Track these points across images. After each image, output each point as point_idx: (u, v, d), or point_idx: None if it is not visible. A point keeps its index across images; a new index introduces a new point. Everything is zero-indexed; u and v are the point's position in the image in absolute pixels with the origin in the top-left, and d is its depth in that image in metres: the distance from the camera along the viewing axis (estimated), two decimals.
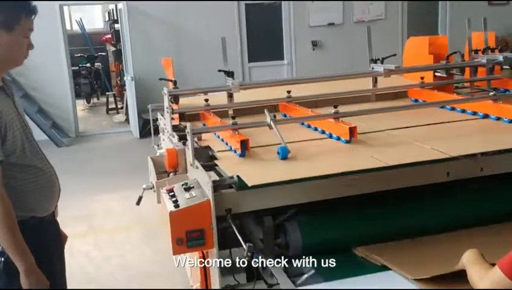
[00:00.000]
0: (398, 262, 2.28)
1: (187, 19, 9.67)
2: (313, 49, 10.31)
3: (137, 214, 5.25)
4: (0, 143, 2.00)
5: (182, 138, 3.12)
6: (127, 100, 10.95)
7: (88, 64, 13.74)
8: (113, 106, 12.63)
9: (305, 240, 2.40)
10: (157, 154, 3.95)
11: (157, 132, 4.19)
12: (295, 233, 2.41)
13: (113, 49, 13.25)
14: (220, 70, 3.61)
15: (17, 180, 2.07)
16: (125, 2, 9.16)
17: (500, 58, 3.82)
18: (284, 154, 2.43)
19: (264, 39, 10.28)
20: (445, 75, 3.90)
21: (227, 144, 2.83)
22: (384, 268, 2.27)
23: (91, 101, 13.62)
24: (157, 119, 9.95)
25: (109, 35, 13.62)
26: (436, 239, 2.49)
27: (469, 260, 1.93)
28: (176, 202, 2.32)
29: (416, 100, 3.70)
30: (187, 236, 2.28)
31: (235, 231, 2.26)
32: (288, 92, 3.46)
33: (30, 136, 2.16)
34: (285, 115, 3.51)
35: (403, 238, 2.49)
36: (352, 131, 2.61)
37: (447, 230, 2.54)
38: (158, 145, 4.25)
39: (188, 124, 2.60)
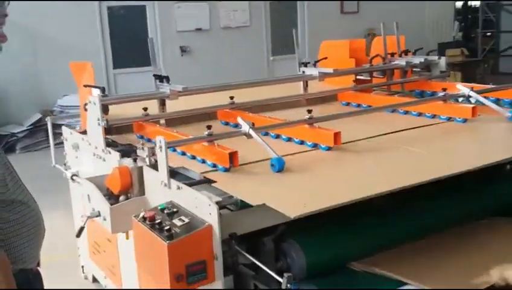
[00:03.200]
0: (406, 273, 2.16)
1: (44, 23, 8.72)
2: (182, 55, 10.01)
3: None
4: None
5: (125, 154, 2.69)
6: None
7: None
8: None
9: (310, 261, 2.16)
10: (67, 175, 3.41)
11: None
12: (299, 254, 2.16)
13: None
14: (154, 75, 3.21)
15: None
16: None
17: (417, 61, 3.96)
18: (281, 166, 2.17)
19: (129, 45, 9.70)
20: (368, 78, 3.95)
21: (194, 157, 2.48)
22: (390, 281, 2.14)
23: None
24: (12, 134, 8.84)
25: None
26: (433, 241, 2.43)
27: None
28: (169, 231, 1.94)
29: (347, 103, 3.67)
30: (187, 271, 1.91)
31: (246, 258, 1.96)
32: (231, 97, 3.19)
33: (8, 163, 1.62)
34: (226, 123, 3.24)
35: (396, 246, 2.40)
36: (336, 137, 2.44)
37: (436, 230, 2.50)
38: (65, 164, 3.66)
39: (161, 137, 2.20)
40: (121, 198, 2.55)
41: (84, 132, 3.24)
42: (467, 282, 2.01)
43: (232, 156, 2.21)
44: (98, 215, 2.54)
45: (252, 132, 2.37)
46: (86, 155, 3.19)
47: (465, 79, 11.09)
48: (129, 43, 9.73)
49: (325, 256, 2.23)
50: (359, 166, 2.34)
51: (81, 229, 2.58)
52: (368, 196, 1.92)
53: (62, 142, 3.66)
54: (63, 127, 3.64)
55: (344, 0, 11.67)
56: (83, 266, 3.76)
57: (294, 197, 2.02)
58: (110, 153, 2.80)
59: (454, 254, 2.30)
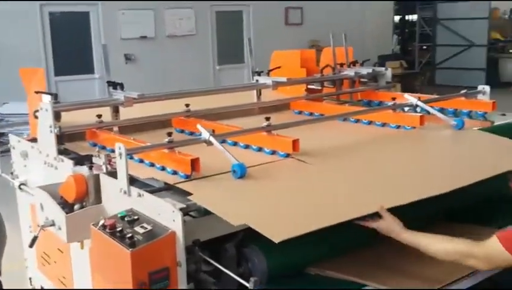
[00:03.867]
0: (366, 276, 2.23)
1: None
2: (126, 63, 9.87)
3: None
4: None
5: (79, 162, 2.63)
6: None
7: None
8: None
9: (271, 266, 2.19)
10: (15, 184, 3.29)
11: None
12: (260, 259, 2.19)
13: None
14: (108, 82, 3.16)
15: None
16: None
17: (365, 71, 4.10)
18: (242, 172, 2.20)
19: (72, 51, 9.49)
20: (319, 87, 4.05)
21: (153, 165, 2.47)
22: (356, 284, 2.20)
23: None
24: None
25: None
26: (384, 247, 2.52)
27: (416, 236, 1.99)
28: (131, 239, 1.92)
29: (300, 112, 3.75)
30: (151, 278, 1.90)
31: (211, 264, 1.97)
32: (187, 105, 3.19)
33: None
34: (181, 131, 3.23)
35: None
36: (294, 144, 2.49)
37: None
38: (12, 173, 3.52)
39: (121, 144, 2.18)
40: (76, 207, 2.49)
41: (33, 140, 3.15)
42: (424, 283, 2.10)
43: (194, 162, 2.21)
44: (53, 224, 2.47)
45: (212, 139, 2.38)
46: (36, 163, 3.09)
47: (404, 90, 11.52)
48: (71, 50, 9.52)
49: (285, 261, 2.26)
50: (321, 176, 2.40)
51: (35, 238, 2.50)
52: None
53: (5, 151, 3.54)
54: (10, 135, 3.51)
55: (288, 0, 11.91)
56: (30, 278, 3.62)
57: (272, 215, 2.04)
58: (63, 161, 2.73)
59: (411, 257, 2.40)
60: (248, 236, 2.25)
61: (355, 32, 12.81)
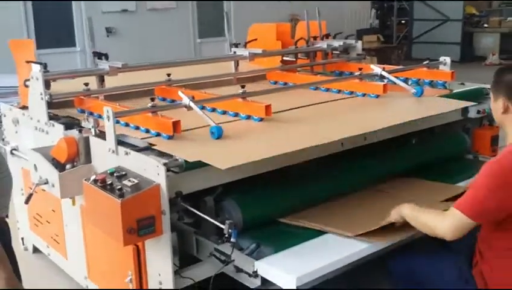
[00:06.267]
0: (332, 224, 2.50)
1: None
2: (108, 36, 9.96)
3: None
4: None
5: (69, 127, 2.85)
6: None
7: None
8: None
9: (245, 217, 2.46)
10: (6, 150, 3.51)
11: None
12: (236, 211, 2.45)
13: None
14: (94, 53, 3.35)
15: None
16: None
17: (337, 44, 4.34)
18: (219, 133, 2.44)
19: (54, 25, 9.56)
20: (293, 59, 4.29)
21: (138, 128, 2.70)
22: (319, 232, 2.48)
23: None
24: None
25: None
26: (347, 200, 2.82)
27: (412, 210, 2.26)
28: (120, 190, 2.16)
29: (275, 82, 3.99)
30: (138, 225, 2.15)
31: (192, 216, 2.23)
32: (168, 75, 3.41)
33: None
34: (163, 99, 3.45)
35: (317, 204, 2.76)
36: (267, 109, 2.74)
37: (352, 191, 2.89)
38: (3, 140, 3.73)
39: (109, 108, 2.40)
40: (68, 167, 2.72)
41: (24, 108, 3.35)
42: (375, 224, 2.38)
43: (175, 124, 2.45)
44: (46, 182, 2.70)
45: (192, 104, 2.62)
46: (26, 130, 3.29)
47: (380, 63, 11.76)
48: (53, 23, 9.60)
49: (258, 212, 2.54)
50: (285, 132, 2.67)
51: (30, 195, 2.73)
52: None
53: None
54: (1, 104, 3.70)
55: None
56: (22, 238, 3.86)
57: (226, 155, 2.32)
58: (53, 125, 2.95)
59: (369, 206, 2.70)
60: (226, 190, 2.53)
61: (335, 7, 13.01)
